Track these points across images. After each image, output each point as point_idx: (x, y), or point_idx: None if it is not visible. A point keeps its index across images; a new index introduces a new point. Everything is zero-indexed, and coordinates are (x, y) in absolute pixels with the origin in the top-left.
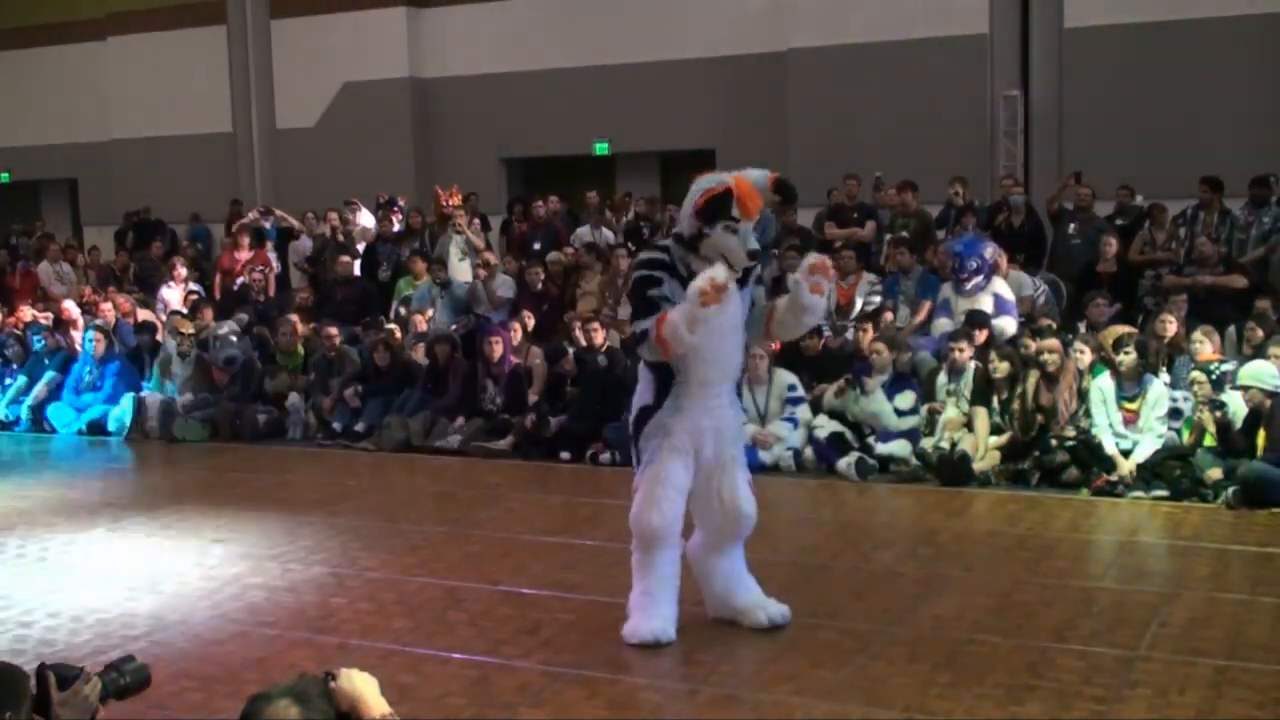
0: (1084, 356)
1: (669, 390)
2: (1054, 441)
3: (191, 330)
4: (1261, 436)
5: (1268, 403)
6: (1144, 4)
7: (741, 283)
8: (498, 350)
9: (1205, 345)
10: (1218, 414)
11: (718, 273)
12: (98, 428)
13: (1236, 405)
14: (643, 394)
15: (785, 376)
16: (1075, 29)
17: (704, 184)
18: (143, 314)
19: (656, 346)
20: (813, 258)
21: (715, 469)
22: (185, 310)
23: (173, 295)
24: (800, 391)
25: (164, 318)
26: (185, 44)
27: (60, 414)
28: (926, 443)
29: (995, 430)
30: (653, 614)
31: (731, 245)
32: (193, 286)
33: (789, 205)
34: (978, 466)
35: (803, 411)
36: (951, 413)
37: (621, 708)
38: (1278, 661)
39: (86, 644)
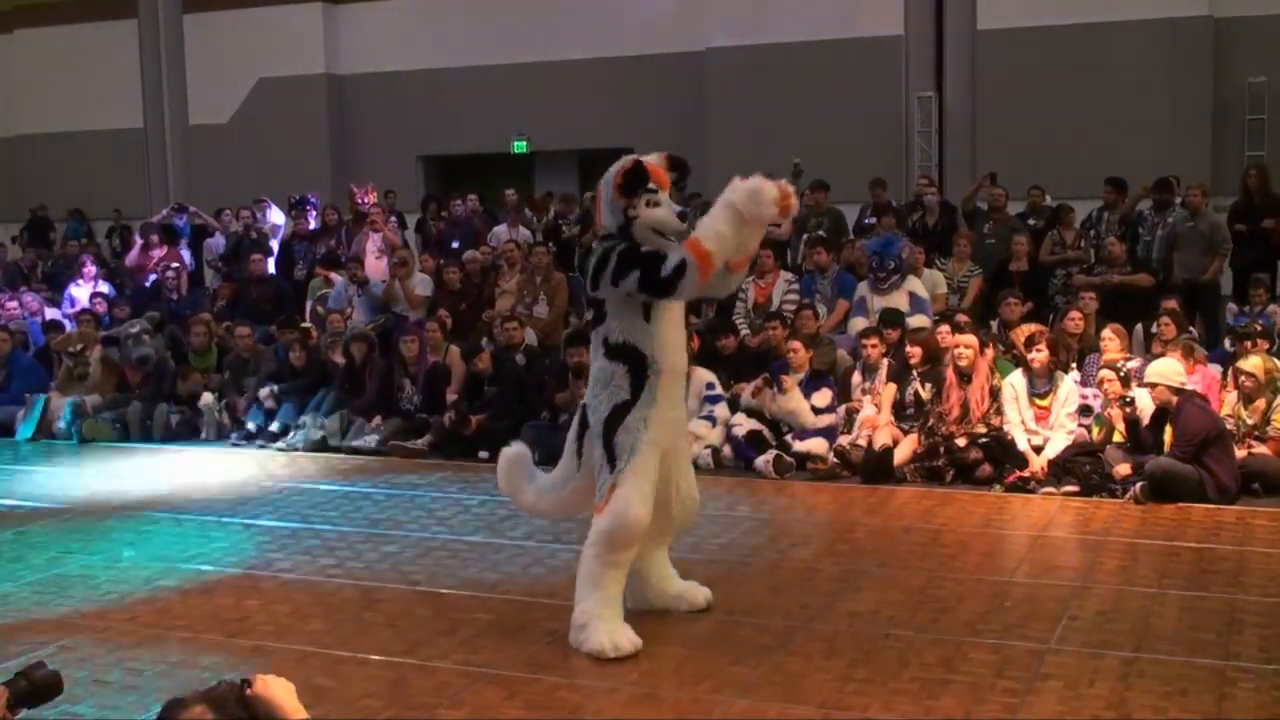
0: (987, 353)
1: (644, 383)
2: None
3: (80, 347)
4: (1168, 433)
5: (1174, 400)
6: (1055, 7)
7: None
8: (414, 349)
9: (1114, 343)
10: (1126, 411)
11: (774, 183)
12: (4, 428)
13: (1144, 402)
14: (615, 390)
15: (703, 375)
16: (988, 31)
17: (613, 168)
18: (51, 313)
19: (696, 268)
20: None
21: (673, 460)
22: (86, 312)
23: (81, 293)
24: (718, 390)
25: (68, 318)
26: (95, 37)
27: None
28: (844, 440)
29: (898, 408)
30: (616, 622)
31: (660, 215)
32: (101, 286)
33: (683, 179)
34: (880, 442)
35: (720, 410)
36: (869, 410)
37: (540, 707)
38: (1183, 653)
39: None
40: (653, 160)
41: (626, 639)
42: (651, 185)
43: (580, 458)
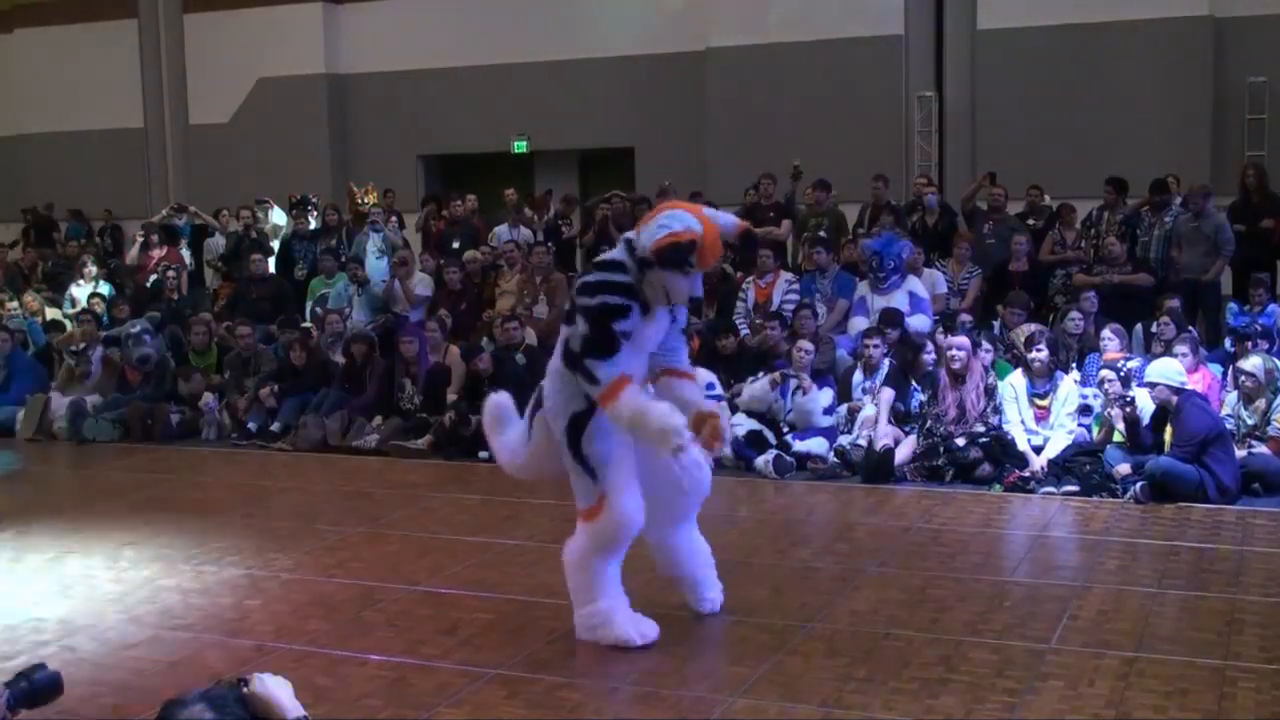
0: (986, 355)
1: None
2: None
3: (82, 345)
4: (1168, 432)
5: (1174, 399)
6: (1054, 7)
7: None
8: (412, 349)
9: (1114, 343)
10: (1126, 410)
11: (683, 438)
12: (5, 429)
13: (1145, 402)
14: (570, 398)
15: (703, 375)
16: (988, 31)
17: (672, 222)
18: (51, 312)
19: (600, 396)
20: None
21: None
22: (87, 312)
23: (81, 294)
24: (719, 389)
25: (69, 314)
26: (95, 37)
27: None
28: (844, 440)
29: (900, 416)
30: (628, 616)
31: (680, 288)
32: (100, 288)
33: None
34: (879, 439)
35: (721, 409)
36: (869, 411)
37: (540, 707)
38: (1183, 653)
39: None
40: (727, 230)
41: (648, 625)
42: (692, 262)
43: (530, 432)
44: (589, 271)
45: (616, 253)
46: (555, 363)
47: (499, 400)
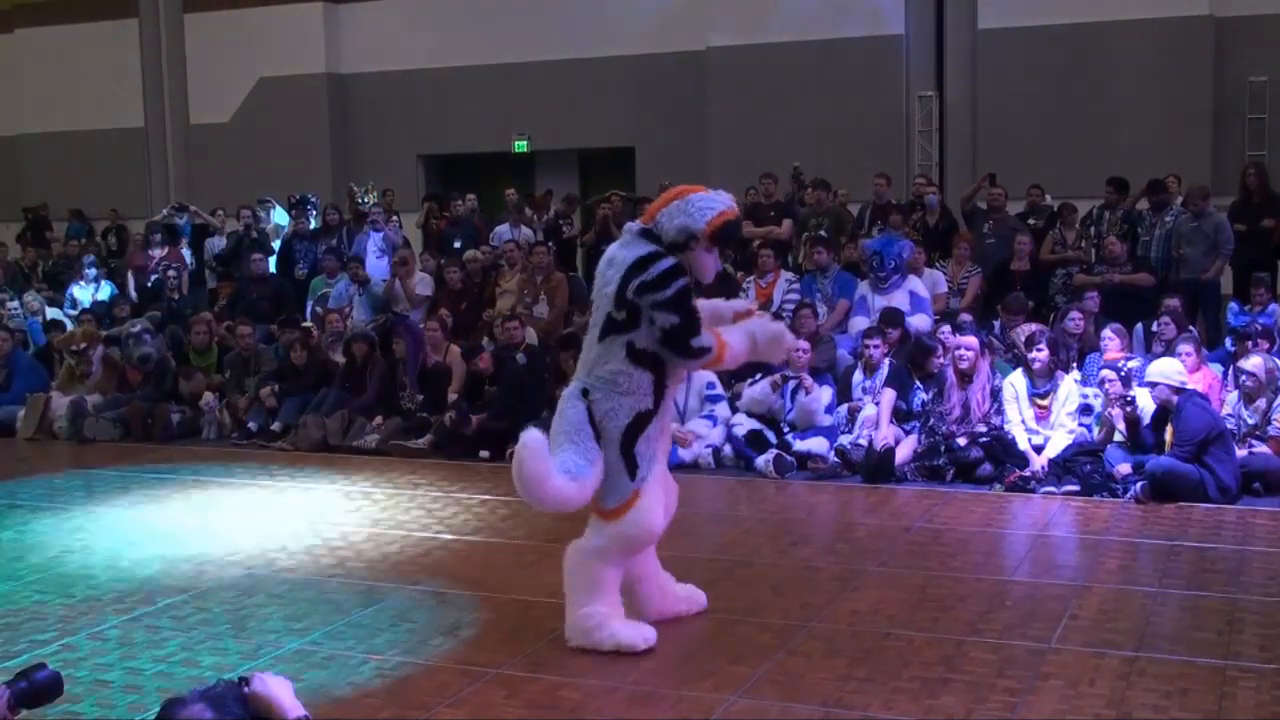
0: (987, 354)
1: (664, 392)
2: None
3: (84, 345)
4: (1169, 432)
5: (1175, 399)
6: (1055, 7)
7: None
8: (398, 350)
9: (1114, 342)
10: (1127, 410)
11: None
12: (5, 428)
13: (1145, 402)
14: (640, 398)
15: (704, 374)
16: (988, 30)
17: (715, 203)
18: (51, 312)
19: (713, 358)
20: None
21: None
22: (88, 311)
23: (82, 294)
24: (719, 389)
25: (69, 314)
26: (96, 37)
27: None
28: (845, 439)
29: (901, 416)
30: (626, 621)
31: (709, 266)
32: (100, 290)
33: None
34: (880, 440)
35: (721, 409)
36: (869, 410)
37: (541, 706)
38: (1184, 652)
39: None
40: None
41: (649, 629)
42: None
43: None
44: (639, 273)
45: (643, 247)
46: (618, 365)
47: (543, 437)
